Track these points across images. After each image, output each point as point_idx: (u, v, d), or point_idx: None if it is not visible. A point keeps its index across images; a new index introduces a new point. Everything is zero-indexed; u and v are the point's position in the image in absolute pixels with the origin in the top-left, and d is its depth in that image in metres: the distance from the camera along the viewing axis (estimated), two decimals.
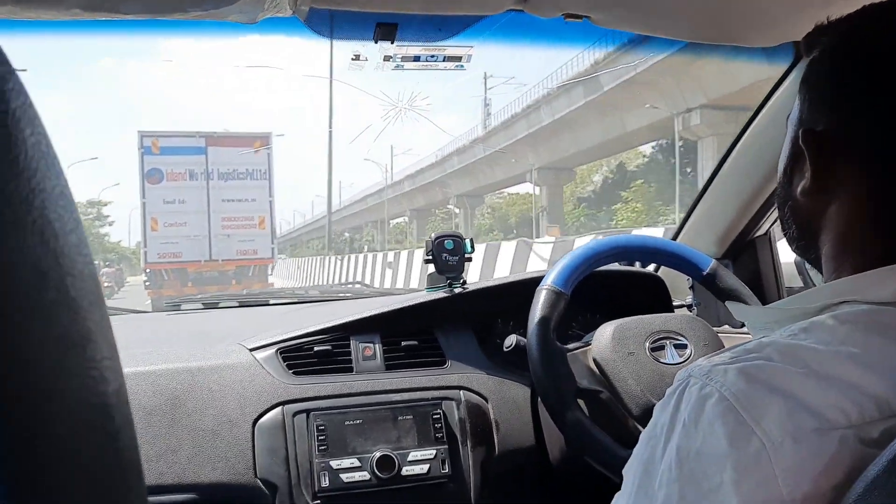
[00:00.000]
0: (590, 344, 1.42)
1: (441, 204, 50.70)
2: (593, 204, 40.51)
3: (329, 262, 18.61)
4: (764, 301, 1.78)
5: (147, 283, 17.72)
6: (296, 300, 2.10)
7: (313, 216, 71.89)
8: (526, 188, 43.71)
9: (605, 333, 1.41)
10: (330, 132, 26.90)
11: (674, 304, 1.85)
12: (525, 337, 1.41)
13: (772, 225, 1.80)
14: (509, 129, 34.86)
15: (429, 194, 48.87)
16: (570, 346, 1.43)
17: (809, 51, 0.72)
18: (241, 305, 2.05)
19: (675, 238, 1.87)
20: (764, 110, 1.55)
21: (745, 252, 1.83)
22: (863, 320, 0.60)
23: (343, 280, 14.67)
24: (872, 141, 0.64)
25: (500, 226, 49.98)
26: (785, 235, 0.77)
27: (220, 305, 2.03)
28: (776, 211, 1.74)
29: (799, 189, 0.70)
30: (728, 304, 1.31)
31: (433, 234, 1.65)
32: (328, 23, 1.16)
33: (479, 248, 11.02)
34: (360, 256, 15.89)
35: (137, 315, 1.98)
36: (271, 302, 2.10)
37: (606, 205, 37.42)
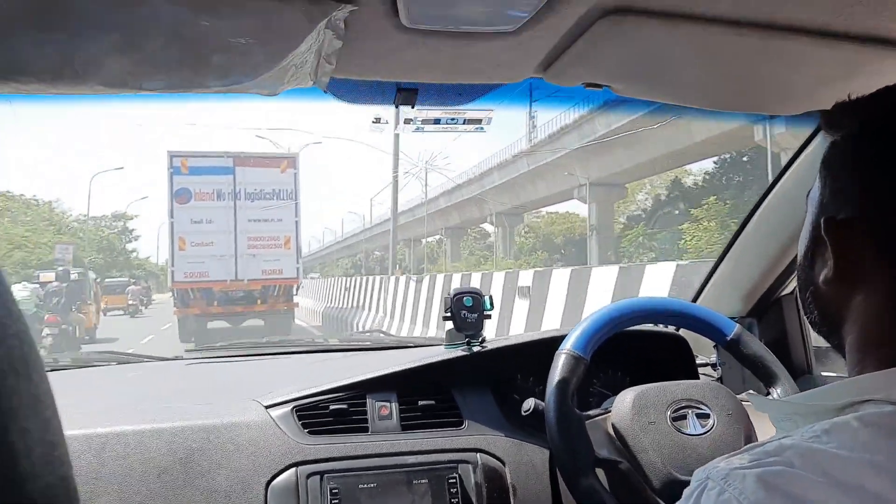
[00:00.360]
0: (609, 411, 1.40)
1: (477, 222, 48.91)
2: (649, 223, 35.26)
3: (357, 283, 18.37)
4: (790, 365, 1.75)
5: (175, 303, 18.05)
6: (315, 349, 2.10)
7: (343, 234, 71.00)
8: (572, 206, 42.18)
9: (625, 401, 1.38)
10: (395, 176, 26.31)
11: (697, 361, 1.82)
12: (543, 401, 1.39)
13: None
14: (557, 142, 32.67)
15: (465, 212, 46.86)
16: (590, 412, 1.40)
17: (830, 131, 0.71)
18: (260, 355, 2.04)
19: (696, 296, 1.84)
20: (790, 171, 1.53)
21: (771, 311, 1.80)
22: (887, 423, 0.57)
23: (364, 327, 14.35)
24: None
25: (544, 246, 46.54)
26: (808, 319, 0.74)
27: (240, 354, 2.02)
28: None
29: (821, 277, 0.68)
30: (748, 395, 1.28)
31: (451, 291, 1.64)
32: (349, 90, 1.17)
33: (527, 275, 9.82)
34: (392, 278, 15.54)
35: (156, 364, 1.98)
36: (291, 350, 2.09)
37: (663, 223, 32.43)
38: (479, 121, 1.33)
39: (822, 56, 1.03)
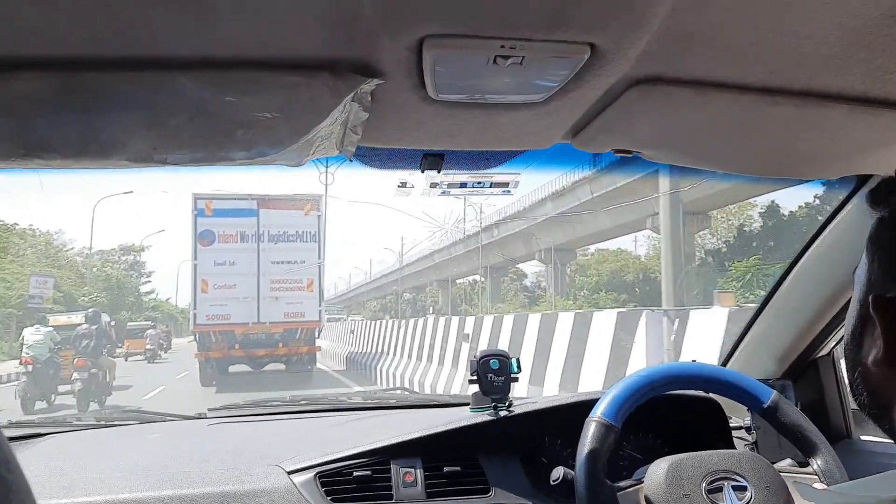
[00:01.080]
0: (642, 481, 1.35)
1: (523, 259, 44.86)
2: (733, 255, 28.35)
3: (383, 327, 17.61)
4: (828, 429, 1.69)
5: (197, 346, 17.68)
6: (337, 408, 2.07)
7: (371, 276, 69.26)
8: (624, 242, 39.35)
9: (658, 471, 1.33)
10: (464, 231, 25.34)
11: (731, 423, 1.76)
12: (573, 469, 1.34)
13: (836, 345, 1.71)
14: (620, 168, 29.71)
15: (509, 248, 41.86)
16: (621, 483, 1.35)
17: (876, 207, 0.68)
18: (283, 413, 2.01)
19: (728, 358, 1.79)
20: (825, 232, 1.49)
21: (807, 373, 1.75)
22: None
23: (388, 384, 13.80)
24: None
25: (610, 284, 40.09)
26: (855, 400, 0.71)
27: (262, 413, 2.00)
28: (840, 330, 1.67)
29: (871, 358, 0.65)
30: (795, 485, 1.23)
31: (477, 354, 1.60)
32: (374, 157, 1.16)
33: (601, 318, 8.11)
34: (420, 321, 14.73)
35: (178, 424, 1.96)
36: (313, 409, 2.06)
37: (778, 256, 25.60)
38: (506, 184, 1.32)
39: (861, 123, 1.00)
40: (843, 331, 0.72)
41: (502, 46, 0.80)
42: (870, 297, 0.65)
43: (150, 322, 32.89)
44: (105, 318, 15.98)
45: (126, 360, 23.67)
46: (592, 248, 44.43)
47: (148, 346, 25.85)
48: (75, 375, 12.15)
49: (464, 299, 50.85)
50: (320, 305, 17.85)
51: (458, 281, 51.93)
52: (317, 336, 18.12)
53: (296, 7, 0.74)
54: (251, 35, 0.80)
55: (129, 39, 0.78)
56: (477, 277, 49.82)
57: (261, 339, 17.25)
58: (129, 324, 32.58)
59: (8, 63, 0.77)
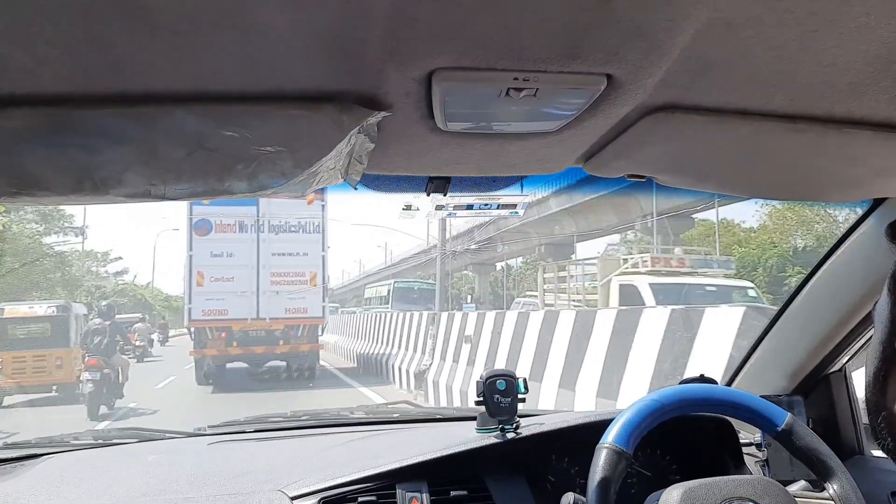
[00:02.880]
0: None
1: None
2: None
3: (390, 320, 16.04)
4: (841, 445, 1.66)
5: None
6: (340, 423, 2.03)
7: (361, 273, 65.29)
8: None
9: (672, 500, 1.29)
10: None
11: (741, 440, 1.73)
12: (582, 493, 1.31)
13: (848, 360, 1.68)
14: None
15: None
16: None
17: (895, 242, 0.65)
18: (285, 430, 1.98)
19: (735, 375, 1.76)
20: (839, 250, 1.46)
21: (819, 388, 1.72)
22: None
23: (403, 386, 12.75)
24: None
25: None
26: (879, 445, 0.68)
27: (264, 430, 1.96)
28: (852, 347, 1.64)
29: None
30: None
31: (483, 374, 1.57)
32: (380, 182, 1.13)
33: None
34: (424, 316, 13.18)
35: (178, 442, 1.92)
36: (316, 425, 2.03)
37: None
38: (513, 205, 1.28)
39: (884, 148, 0.97)
40: (866, 370, 0.69)
41: (515, 79, 0.77)
42: (895, 343, 0.62)
43: (138, 315, 29.21)
44: (78, 308, 14.65)
45: None
46: None
47: (137, 343, 22.62)
48: (86, 376, 11.13)
49: (513, 285, 43.78)
50: (324, 301, 16.72)
51: (496, 265, 45.19)
52: (320, 333, 17.10)
53: (298, 38, 0.70)
54: (252, 67, 0.76)
55: (123, 74, 0.74)
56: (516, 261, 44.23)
57: (260, 337, 16.10)
58: (116, 317, 29.92)
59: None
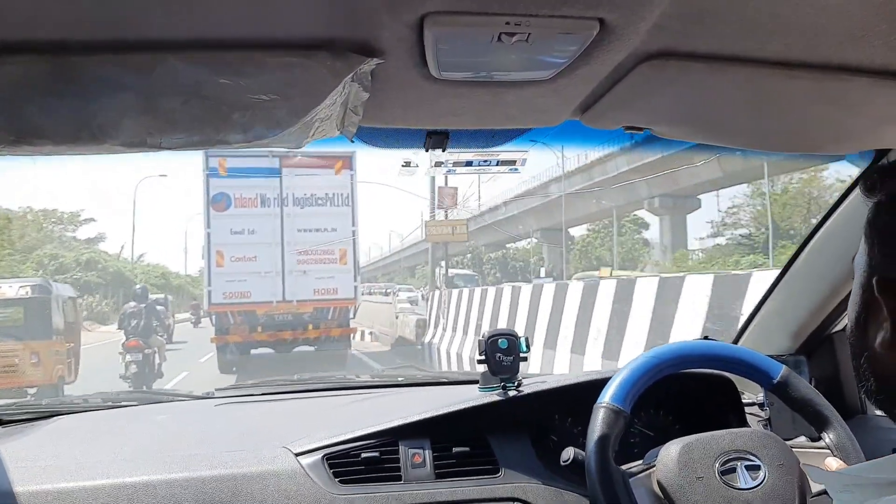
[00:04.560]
0: (654, 465, 1.33)
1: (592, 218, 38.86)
2: None
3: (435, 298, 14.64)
4: (843, 405, 1.66)
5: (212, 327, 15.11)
6: (346, 386, 2.06)
7: (390, 249, 61.20)
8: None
9: (670, 455, 1.31)
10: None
11: (744, 400, 1.74)
12: (583, 449, 1.33)
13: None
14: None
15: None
16: (633, 468, 1.33)
17: (869, 193, 0.66)
18: (291, 392, 2.00)
19: (740, 334, 1.76)
20: (840, 208, 1.46)
21: (822, 348, 1.72)
22: None
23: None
24: None
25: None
26: (861, 388, 0.69)
27: (270, 392, 1.99)
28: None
29: (878, 341, 0.64)
30: (805, 468, 1.20)
31: (485, 333, 1.58)
32: (377, 136, 1.13)
33: None
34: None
35: (185, 404, 1.95)
36: (321, 388, 2.05)
37: None
38: (513, 162, 1.28)
39: (883, 96, 0.96)
40: (848, 315, 0.71)
41: (507, 23, 0.76)
42: (874, 280, 0.64)
43: (153, 297, 26.34)
44: (62, 289, 12.66)
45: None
46: None
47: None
48: (129, 357, 10.86)
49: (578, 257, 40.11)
50: (355, 280, 15.09)
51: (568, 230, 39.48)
52: (351, 316, 15.44)
53: None
54: (246, 15, 0.76)
55: (120, 22, 0.75)
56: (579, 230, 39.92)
57: (287, 321, 14.62)
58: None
59: None
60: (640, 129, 1.09)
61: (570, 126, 1.16)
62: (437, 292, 15.26)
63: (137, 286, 13.68)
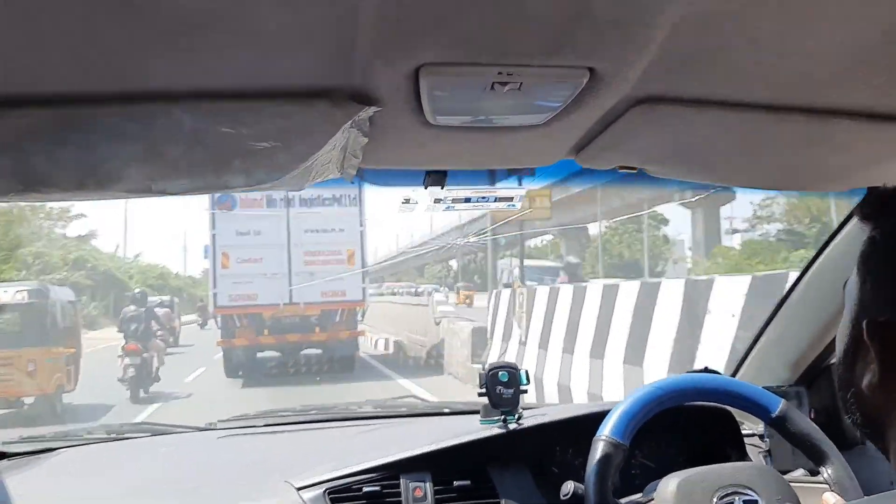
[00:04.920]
0: (652, 499, 1.33)
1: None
2: None
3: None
4: (843, 436, 1.67)
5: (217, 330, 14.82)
6: (348, 417, 2.07)
7: (398, 248, 57.70)
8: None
9: (668, 488, 1.31)
10: None
11: (744, 431, 1.74)
12: (583, 483, 1.34)
13: None
14: None
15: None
16: (632, 501, 1.34)
17: (866, 222, 0.67)
18: (293, 423, 2.02)
19: (739, 365, 1.77)
20: (837, 239, 1.48)
21: (821, 379, 1.73)
22: None
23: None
24: None
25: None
26: (848, 418, 0.70)
27: (273, 424, 2.00)
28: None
29: (865, 382, 0.64)
30: None
31: (486, 366, 1.59)
32: (377, 176, 1.16)
33: None
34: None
35: (188, 436, 1.96)
36: (324, 419, 2.06)
37: None
38: (510, 198, 1.30)
39: (868, 137, 0.98)
40: (837, 347, 0.71)
41: (500, 73, 0.79)
42: (864, 323, 0.63)
43: (158, 299, 22.75)
44: (61, 292, 12.09)
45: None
46: None
47: (159, 333, 18.14)
48: (127, 361, 11.01)
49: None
50: (364, 282, 14.91)
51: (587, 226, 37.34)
52: (359, 319, 15.23)
53: (290, 37, 0.73)
54: (246, 66, 0.79)
55: (122, 74, 0.77)
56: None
57: (294, 323, 14.33)
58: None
59: (3, 101, 0.77)
60: (633, 168, 1.12)
61: (566, 163, 1.19)
62: (497, 291, 13.79)
63: (137, 290, 14.11)
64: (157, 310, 18.29)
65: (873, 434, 0.66)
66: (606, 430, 1.33)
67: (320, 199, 14.38)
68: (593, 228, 38.28)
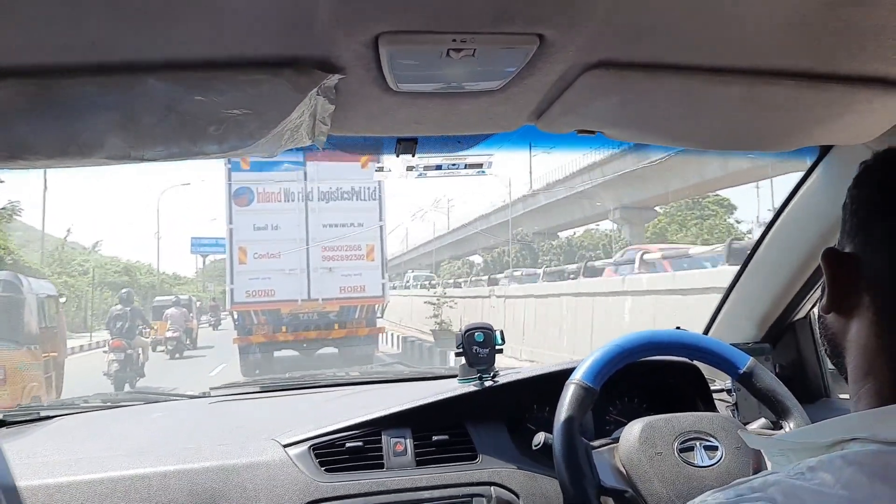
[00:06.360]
0: (618, 441, 1.41)
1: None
2: None
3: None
4: (807, 389, 1.74)
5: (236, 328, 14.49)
6: (333, 383, 2.14)
7: (407, 246, 59.52)
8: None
9: (632, 431, 1.39)
10: None
11: (712, 387, 1.81)
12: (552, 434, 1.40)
13: (812, 307, 1.76)
14: (573, 179, 31.68)
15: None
16: (597, 442, 1.41)
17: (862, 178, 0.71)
18: (281, 390, 2.08)
19: (710, 325, 1.84)
20: (794, 199, 1.53)
21: (786, 336, 1.80)
22: (868, 463, 0.58)
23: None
24: (893, 270, 0.64)
25: None
26: (823, 349, 0.76)
27: (262, 391, 2.07)
28: (815, 294, 1.71)
29: (819, 307, 0.71)
30: (741, 433, 1.28)
31: (463, 327, 1.66)
32: (349, 143, 1.21)
33: None
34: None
35: (181, 403, 2.03)
36: (311, 385, 2.13)
37: None
38: (479, 165, 1.36)
39: (811, 98, 1.04)
40: (818, 294, 0.76)
41: (454, 40, 0.84)
42: (821, 253, 0.69)
43: (171, 297, 22.22)
44: (39, 285, 10.09)
45: (154, 350, 17.07)
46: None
47: (169, 334, 18.03)
48: (111, 357, 11.76)
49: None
50: (383, 277, 14.59)
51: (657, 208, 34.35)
52: (379, 315, 14.92)
53: (255, 10, 0.79)
54: (215, 37, 0.84)
55: (98, 47, 0.82)
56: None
57: (312, 320, 14.11)
58: (156, 298, 23.82)
59: None
60: (592, 132, 1.17)
61: (530, 130, 1.24)
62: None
63: (123, 290, 14.21)
64: (171, 310, 18.65)
65: (837, 363, 0.72)
66: (578, 374, 1.39)
67: (339, 193, 14.16)
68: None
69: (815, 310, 1.81)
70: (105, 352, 12.15)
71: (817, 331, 0.76)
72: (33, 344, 8.85)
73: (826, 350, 0.73)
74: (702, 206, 33.75)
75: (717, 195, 33.71)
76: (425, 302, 16.29)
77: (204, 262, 44.90)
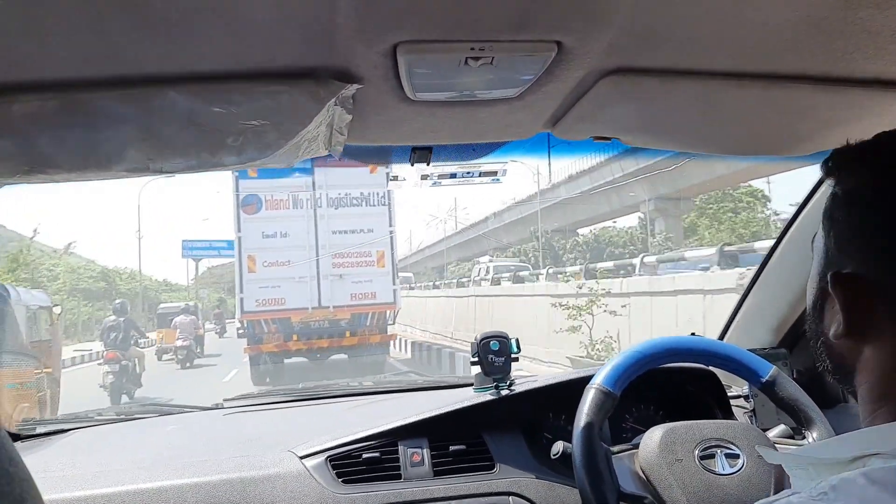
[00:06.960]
0: (638, 447, 1.40)
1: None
2: None
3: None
4: (825, 395, 1.73)
5: (239, 334, 14.48)
6: (348, 393, 2.13)
7: (412, 249, 56.50)
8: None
9: (653, 438, 1.38)
10: None
11: (730, 393, 1.80)
12: (572, 442, 1.39)
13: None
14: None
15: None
16: (616, 448, 1.40)
17: (828, 178, 0.70)
18: (296, 400, 2.08)
19: (724, 331, 1.83)
20: (809, 204, 1.53)
21: (803, 340, 1.78)
22: (892, 481, 0.57)
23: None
24: None
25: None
26: (820, 366, 0.74)
27: (276, 402, 2.06)
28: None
29: (832, 332, 0.68)
30: (759, 448, 1.27)
31: (478, 336, 1.65)
32: (364, 153, 1.21)
33: None
34: None
35: (195, 415, 2.03)
36: (325, 395, 2.13)
37: None
38: (494, 173, 1.36)
39: (827, 101, 1.03)
40: (806, 300, 0.74)
41: (472, 49, 0.84)
42: (828, 275, 0.67)
43: (179, 304, 21.75)
44: (32, 296, 9.40)
45: (160, 360, 17.79)
46: None
47: (179, 343, 17.79)
48: (106, 368, 11.70)
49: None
50: (394, 284, 14.42)
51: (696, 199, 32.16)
52: (390, 322, 14.75)
53: (275, 22, 0.79)
54: (235, 49, 0.85)
55: (119, 60, 0.83)
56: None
57: (323, 328, 13.96)
58: (161, 306, 23.36)
59: (9, 87, 0.83)
60: (607, 138, 1.17)
61: (544, 137, 1.24)
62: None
63: (117, 301, 14.13)
64: (181, 318, 18.24)
65: (842, 380, 0.70)
66: (598, 379, 1.38)
67: (348, 199, 14.04)
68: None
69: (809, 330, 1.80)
70: (100, 363, 12.15)
71: (818, 353, 0.72)
72: (24, 360, 8.15)
73: (828, 368, 0.71)
74: (734, 199, 32.17)
75: (748, 186, 32.04)
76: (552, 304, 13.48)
77: (197, 267, 42.09)
